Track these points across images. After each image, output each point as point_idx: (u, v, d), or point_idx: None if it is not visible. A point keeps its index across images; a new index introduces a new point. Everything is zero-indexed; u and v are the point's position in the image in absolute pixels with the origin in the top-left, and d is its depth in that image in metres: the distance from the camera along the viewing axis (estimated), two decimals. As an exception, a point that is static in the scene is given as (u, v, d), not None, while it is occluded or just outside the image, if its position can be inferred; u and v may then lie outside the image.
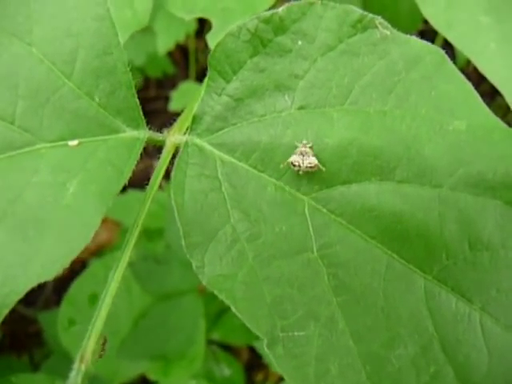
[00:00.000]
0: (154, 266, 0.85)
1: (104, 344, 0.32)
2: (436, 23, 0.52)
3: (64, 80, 0.31)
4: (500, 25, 0.52)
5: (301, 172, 0.31)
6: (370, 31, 0.32)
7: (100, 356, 0.31)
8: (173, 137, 0.34)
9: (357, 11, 0.31)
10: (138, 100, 0.32)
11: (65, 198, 0.29)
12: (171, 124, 0.37)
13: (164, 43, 0.95)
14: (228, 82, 0.32)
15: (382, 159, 0.31)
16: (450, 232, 0.31)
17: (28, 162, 0.30)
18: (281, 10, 0.31)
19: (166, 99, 1.25)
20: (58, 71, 0.31)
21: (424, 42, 0.33)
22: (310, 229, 0.31)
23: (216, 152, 0.32)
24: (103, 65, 0.31)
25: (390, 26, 0.32)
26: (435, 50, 0.33)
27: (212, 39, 0.50)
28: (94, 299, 0.77)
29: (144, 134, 0.33)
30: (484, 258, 0.31)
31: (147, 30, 1.13)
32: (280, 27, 0.31)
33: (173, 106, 1.06)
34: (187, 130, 0.33)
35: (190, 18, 0.52)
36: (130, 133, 0.33)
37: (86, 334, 0.31)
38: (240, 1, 0.52)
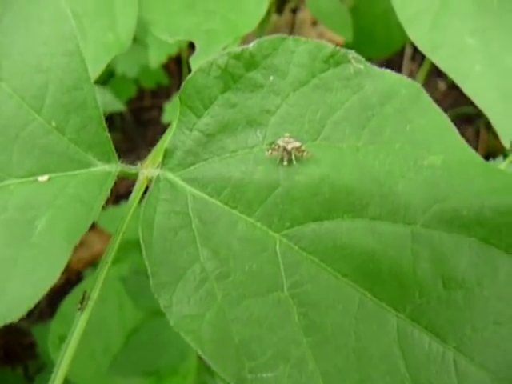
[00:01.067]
0: (146, 281, 0.85)
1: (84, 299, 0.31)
2: (421, 45, 0.52)
3: (34, 115, 0.31)
4: (486, 46, 0.52)
5: (286, 162, 0.31)
6: (343, 66, 0.31)
7: (80, 309, 0.30)
8: (146, 170, 0.34)
9: (329, 46, 0.31)
10: (108, 134, 0.32)
11: (33, 236, 0.29)
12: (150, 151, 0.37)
13: (156, 57, 0.94)
14: (199, 117, 0.31)
15: (354, 196, 0.31)
16: (423, 270, 0.31)
17: (-4, 198, 0.30)
18: (251, 45, 0.30)
19: (161, 109, 1.25)
20: (28, 106, 0.31)
21: (399, 75, 0.33)
22: (281, 267, 0.30)
23: (187, 187, 0.32)
24: (73, 100, 0.31)
25: (363, 59, 0.32)
26: (410, 84, 0.33)
27: (195, 62, 0.50)
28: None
29: (116, 167, 0.33)
30: (458, 297, 0.31)
31: (140, 43, 1.14)
32: (251, 63, 0.31)
33: (166, 118, 1.06)
34: (159, 164, 0.33)
35: (173, 40, 0.51)
36: (101, 167, 0.32)
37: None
38: (224, 23, 0.52)
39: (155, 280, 0.29)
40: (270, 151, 0.31)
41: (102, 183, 0.32)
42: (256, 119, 0.31)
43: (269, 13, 0.55)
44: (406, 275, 0.31)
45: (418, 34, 0.52)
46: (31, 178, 0.31)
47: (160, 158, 0.33)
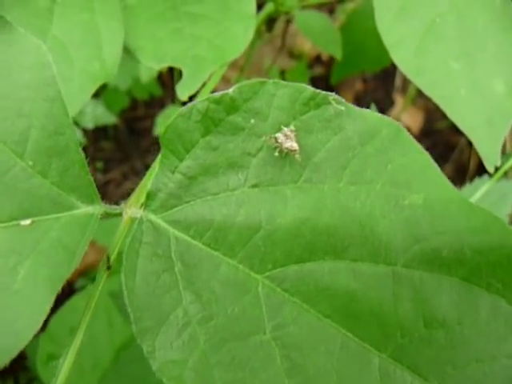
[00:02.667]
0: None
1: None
2: (406, 69, 0.52)
3: (16, 160, 0.31)
4: (471, 71, 0.52)
5: (276, 153, 0.31)
6: (324, 107, 0.32)
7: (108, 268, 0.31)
8: (129, 210, 0.34)
9: (309, 89, 0.31)
10: (91, 177, 0.32)
11: (15, 283, 0.29)
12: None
13: (148, 71, 0.95)
14: (181, 160, 0.31)
15: (335, 238, 0.31)
16: (404, 310, 0.31)
17: (-21, 244, 0.30)
18: (231, 90, 0.30)
19: (155, 118, 1.25)
20: (10, 151, 0.31)
21: (379, 115, 0.33)
22: (263, 309, 0.31)
23: (170, 229, 0.32)
24: (55, 144, 0.31)
25: (343, 100, 0.32)
26: (391, 123, 0.33)
27: (182, 89, 0.50)
28: (73, 330, 0.76)
29: (99, 208, 0.33)
30: (439, 336, 0.31)
31: (132, 55, 1.14)
32: (231, 107, 0.31)
33: (158, 130, 1.06)
34: (142, 205, 0.33)
35: (159, 67, 0.52)
36: (84, 209, 0.33)
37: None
38: (211, 49, 0.52)
39: (138, 325, 0.29)
40: (269, 138, 0.31)
41: (84, 226, 0.32)
42: (237, 162, 0.31)
43: (258, 31, 0.55)
44: (388, 315, 0.31)
45: (403, 59, 0.52)
46: (13, 222, 0.31)
47: (143, 199, 0.33)
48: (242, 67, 0.52)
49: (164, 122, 1.05)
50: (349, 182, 0.32)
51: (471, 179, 1.34)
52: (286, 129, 0.32)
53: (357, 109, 0.32)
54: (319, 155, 0.32)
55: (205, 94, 0.49)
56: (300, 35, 1.30)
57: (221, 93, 0.30)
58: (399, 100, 1.38)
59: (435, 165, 0.33)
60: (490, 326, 0.31)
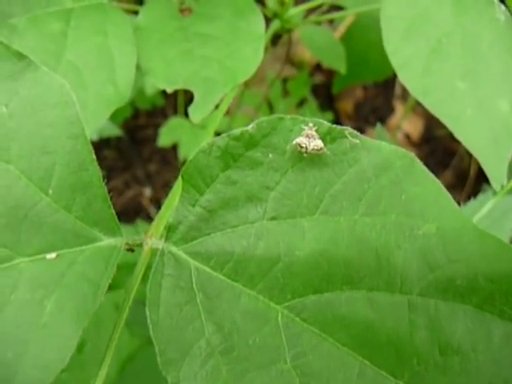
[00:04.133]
0: (141, 309, 0.85)
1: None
2: (413, 89, 0.53)
3: (41, 195, 0.32)
4: (476, 90, 0.53)
5: (306, 155, 0.32)
6: (340, 141, 0.33)
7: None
8: (150, 240, 0.35)
9: (325, 124, 0.32)
10: (113, 211, 0.33)
11: (42, 317, 0.30)
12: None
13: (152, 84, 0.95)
14: (201, 194, 0.32)
15: (352, 269, 0.32)
16: (420, 338, 0.32)
17: (7, 278, 0.31)
18: (251, 127, 0.31)
19: (157, 127, 1.26)
20: (36, 187, 0.32)
21: (393, 147, 0.34)
22: (283, 338, 0.31)
23: (191, 261, 0.33)
24: (79, 180, 0.32)
25: (359, 134, 0.33)
26: (404, 154, 0.34)
27: (194, 112, 0.51)
28: (81, 346, 0.77)
29: (121, 240, 0.34)
30: (454, 363, 0.32)
31: (136, 67, 1.14)
32: (250, 142, 0.32)
33: (161, 141, 1.07)
34: (162, 236, 0.34)
35: (172, 89, 0.52)
36: (107, 241, 0.33)
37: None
38: (221, 70, 0.53)
39: (162, 358, 0.30)
40: (294, 145, 0.32)
41: (108, 257, 0.33)
42: (256, 195, 0.32)
43: (265, 48, 0.56)
44: (404, 343, 0.32)
45: (411, 79, 0.53)
46: (39, 256, 0.32)
47: (162, 229, 0.34)
48: (246, 80, 0.53)
49: (168, 134, 1.06)
50: (364, 214, 0.33)
51: (471, 186, 1.35)
52: (305, 128, 0.32)
53: (371, 141, 0.33)
54: (335, 188, 0.33)
55: (218, 117, 0.50)
56: (300, 44, 1.30)
57: (240, 130, 0.31)
58: (399, 107, 1.39)
59: (447, 193, 0.34)
60: (503, 352, 0.32)
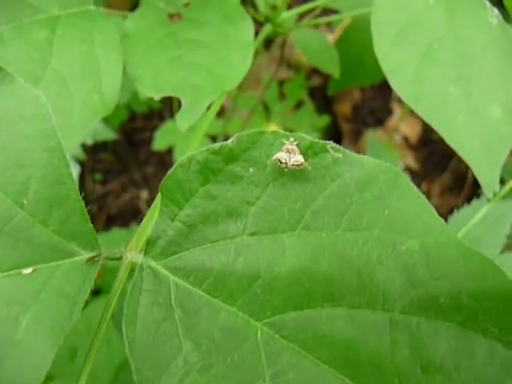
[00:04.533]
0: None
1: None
2: (405, 96, 0.52)
3: (17, 209, 0.32)
4: (468, 96, 0.52)
5: (286, 170, 0.32)
6: (322, 156, 0.32)
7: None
8: (130, 254, 0.34)
9: (307, 138, 0.32)
10: (91, 224, 0.33)
11: (17, 334, 0.30)
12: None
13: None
14: (180, 208, 0.32)
15: (333, 286, 0.31)
16: (402, 356, 0.31)
17: (-18, 294, 0.31)
18: (230, 141, 0.31)
19: (153, 130, 1.26)
20: (11, 201, 0.31)
21: (377, 161, 0.33)
22: (263, 356, 0.31)
23: (170, 276, 0.32)
24: (56, 194, 0.32)
25: (341, 148, 0.32)
26: (388, 168, 0.33)
27: (181, 119, 0.51)
28: (73, 354, 0.77)
29: (99, 254, 0.33)
30: (436, 381, 0.31)
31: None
32: (230, 156, 0.31)
33: (156, 145, 1.06)
34: (142, 250, 0.33)
35: (159, 96, 0.52)
36: (84, 255, 0.33)
37: None
38: (210, 78, 0.52)
39: (139, 376, 0.30)
40: (274, 160, 0.32)
41: (85, 272, 0.32)
42: (236, 210, 0.32)
43: (256, 51, 0.55)
44: (385, 362, 0.31)
45: (402, 86, 0.52)
46: (15, 271, 0.31)
47: (142, 243, 0.33)
48: (240, 82, 0.52)
49: (163, 137, 1.06)
50: (347, 229, 0.32)
51: (469, 188, 1.34)
52: (286, 143, 0.32)
53: (354, 155, 0.33)
54: (317, 203, 0.32)
55: (205, 124, 0.49)
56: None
57: (219, 144, 0.31)
58: (397, 109, 1.38)
59: (432, 208, 0.34)
60: (486, 370, 0.32)
